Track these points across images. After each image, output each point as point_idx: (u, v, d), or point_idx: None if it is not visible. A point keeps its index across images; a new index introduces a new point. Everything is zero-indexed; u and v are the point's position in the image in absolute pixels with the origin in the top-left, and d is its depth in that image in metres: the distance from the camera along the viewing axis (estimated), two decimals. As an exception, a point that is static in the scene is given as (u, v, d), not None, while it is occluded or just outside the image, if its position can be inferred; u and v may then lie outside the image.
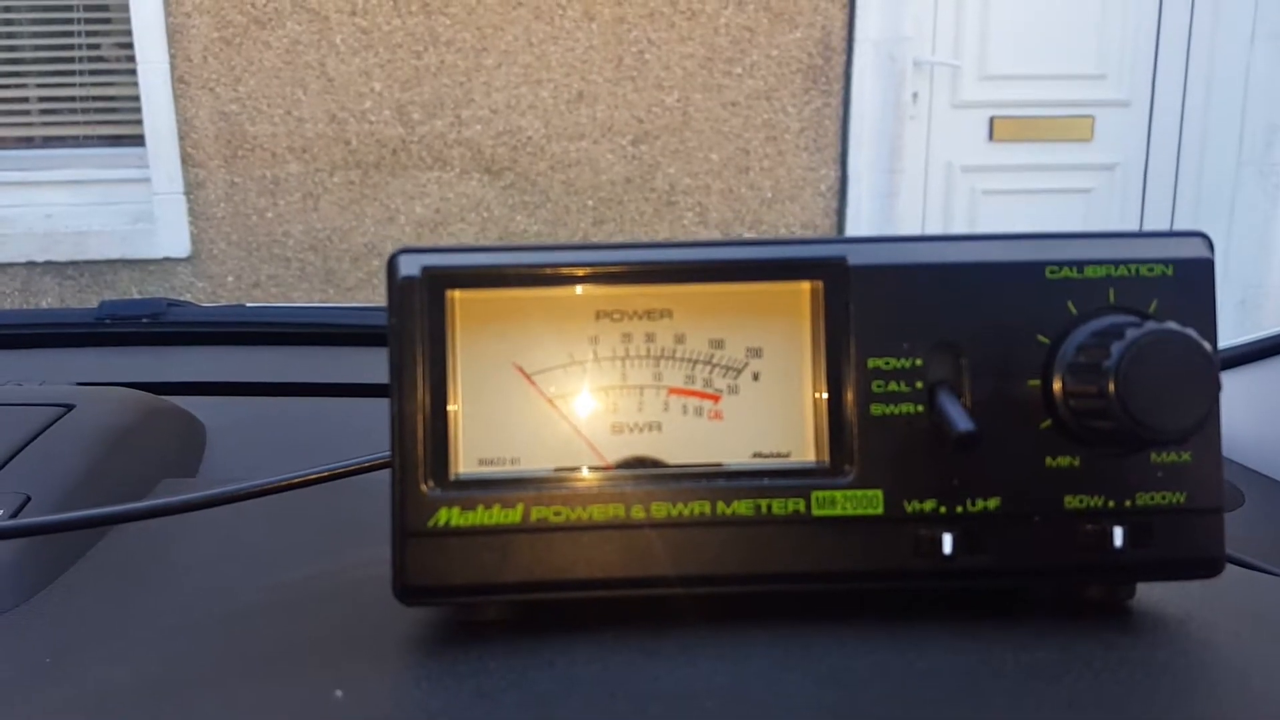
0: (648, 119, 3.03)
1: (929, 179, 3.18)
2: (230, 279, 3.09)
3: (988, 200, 3.18)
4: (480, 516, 0.32)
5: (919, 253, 0.33)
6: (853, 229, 3.08)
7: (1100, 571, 0.32)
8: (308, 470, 0.42)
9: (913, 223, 3.18)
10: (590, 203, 3.07)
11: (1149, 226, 3.22)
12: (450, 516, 0.32)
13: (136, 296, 3.10)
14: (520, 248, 0.34)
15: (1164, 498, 0.32)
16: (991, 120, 3.13)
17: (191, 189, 3.03)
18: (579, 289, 0.34)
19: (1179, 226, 3.21)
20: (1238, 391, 0.71)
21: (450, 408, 0.33)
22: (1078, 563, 0.32)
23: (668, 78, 3.01)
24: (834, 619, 0.33)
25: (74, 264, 3.07)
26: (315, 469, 0.42)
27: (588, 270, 0.33)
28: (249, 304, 1.05)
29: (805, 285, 0.33)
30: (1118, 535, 0.32)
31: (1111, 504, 0.32)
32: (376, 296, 3.17)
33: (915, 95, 3.09)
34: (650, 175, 3.06)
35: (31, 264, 3.07)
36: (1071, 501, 0.32)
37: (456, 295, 0.33)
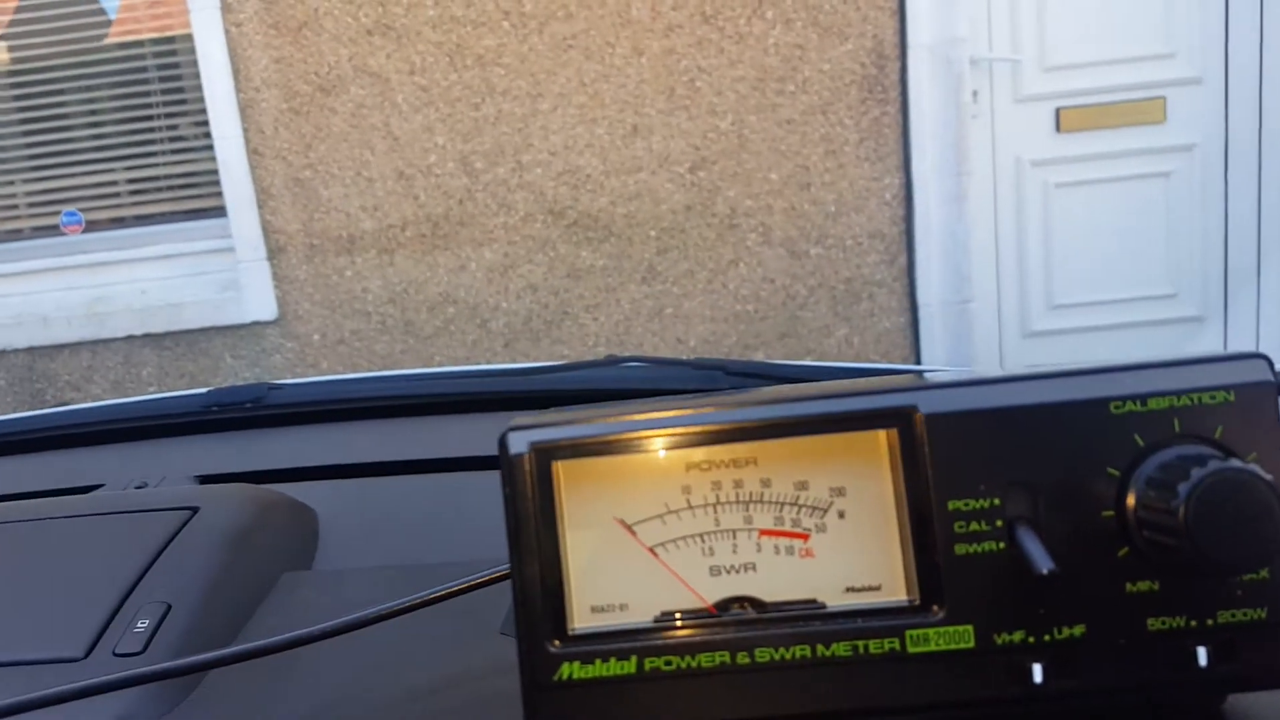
0: (704, 145, 3.05)
1: (998, 177, 3.13)
2: (316, 337, 3.21)
3: (1061, 193, 3.11)
4: (599, 669, 0.35)
5: (987, 396, 0.35)
6: (922, 235, 3.05)
7: (1187, 688, 0.34)
8: (428, 591, 0.44)
9: (985, 223, 3.13)
10: (653, 233, 3.11)
11: (1234, 205, 3.11)
12: (572, 670, 0.35)
13: (229, 360, 3.25)
14: (611, 415, 0.37)
15: (1245, 614, 0.33)
16: (1057, 111, 3.07)
17: (273, 254, 3.16)
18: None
19: (1266, 206, 3.09)
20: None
21: (563, 567, 0.36)
22: (1165, 681, 0.34)
23: (720, 103, 3.03)
24: None
25: (170, 334, 3.23)
26: (434, 590, 0.44)
27: (677, 435, 0.36)
28: (346, 376, 1.09)
29: (881, 433, 0.36)
30: (1202, 654, 0.33)
31: (1194, 624, 0.33)
32: (454, 343, 3.25)
33: (975, 94, 3.05)
34: (710, 200, 3.08)
35: (131, 338, 3.24)
36: (1154, 624, 0.34)
37: (560, 465, 0.36)
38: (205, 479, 0.76)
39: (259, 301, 3.19)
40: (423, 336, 3.19)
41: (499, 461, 0.37)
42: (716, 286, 3.14)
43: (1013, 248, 3.17)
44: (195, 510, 0.62)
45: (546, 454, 0.36)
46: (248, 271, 3.18)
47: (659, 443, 0.36)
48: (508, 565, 0.37)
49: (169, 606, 0.52)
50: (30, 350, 3.26)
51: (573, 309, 3.18)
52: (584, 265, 3.13)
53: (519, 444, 0.36)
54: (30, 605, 0.53)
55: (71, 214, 3.34)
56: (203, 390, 0.98)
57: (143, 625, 0.50)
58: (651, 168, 3.07)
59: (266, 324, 3.21)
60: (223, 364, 3.27)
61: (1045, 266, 3.17)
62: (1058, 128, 3.08)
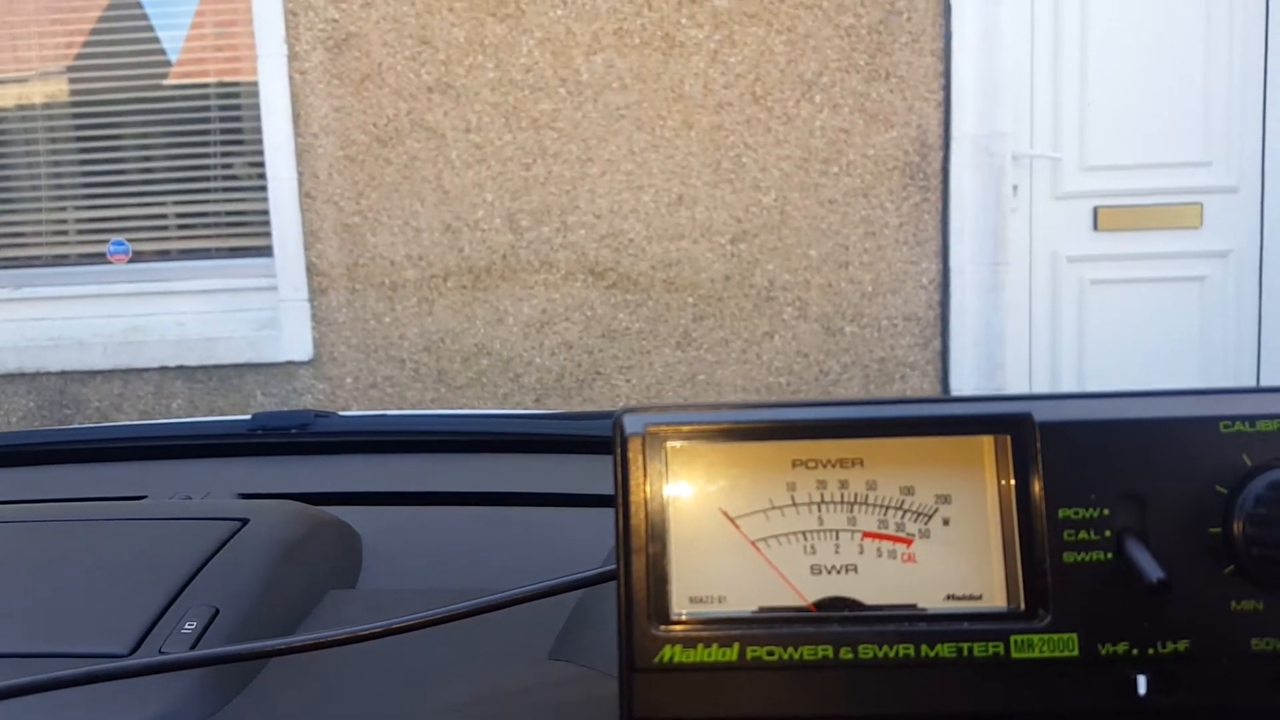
0: (745, 218, 3.10)
1: (1034, 270, 3.16)
2: (349, 380, 3.24)
3: (1096, 290, 3.13)
4: (700, 654, 0.35)
5: (1100, 409, 0.35)
6: (957, 321, 3.06)
7: None
8: (532, 585, 0.42)
9: (1019, 314, 3.15)
10: (690, 300, 3.14)
11: (1268, 313, 3.12)
12: (673, 654, 0.35)
13: (260, 398, 3.27)
14: (724, 406, 0.38)
15: None
16: (1095, 210, 3.11)
17: (315, 296, 3.20)
18: (777, 442, 0.37)
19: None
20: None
21: (668, 552, 0.37)
22: (1268, 702, 0.34)
23: (765, 179, 3.09)
24: None
25: (203, 368, 3.26)
26: (539, 584, 0.42)
27: (785, 425, 0.37)
28: (391, 411, 1.09)
29: (988, 439, 0.37)
30: None
31: None
32: (485, 395, 3.27)
33: (1015, 188, 3.09)
34: (749, 272, 3.12)
35: (164, 369, 3.27)
36: (1258, 644, 0.34)
37: (671, 449, 0.37)
38: (247, 497, 0.76)
39: (296, 341, 3.23)
40: (455, 386, 3.21)
41: (610, 443, 0.37)
42: (750, 357, 3.16)
43: (1046, 340, 3.18)
44: (245, 521, 0.63)
45: (659, 438, 0.37)
46: (288, 311, 3.22)
47: (768, 432, 0.37)
48: (612, 566, 0.37)
49: (216, 610, 0.52)
50: (63, 374, 3.30)
51: (605, 369, 3.20)
52: (620, 327, 3.16)
53: (634, 425, 0.37)
54: (79, 602, 0.53)
55: (119, 243, 3.41)
56: (247, 416, 0.99)
57: (190, 627, 0.50)
58: (693, 236, 3.12)
59: (301, 364, 3.24)
60: (253, 401, 3.29)
61: (1078, 360, 3.17)
62: (1095, 226, 3.12)
